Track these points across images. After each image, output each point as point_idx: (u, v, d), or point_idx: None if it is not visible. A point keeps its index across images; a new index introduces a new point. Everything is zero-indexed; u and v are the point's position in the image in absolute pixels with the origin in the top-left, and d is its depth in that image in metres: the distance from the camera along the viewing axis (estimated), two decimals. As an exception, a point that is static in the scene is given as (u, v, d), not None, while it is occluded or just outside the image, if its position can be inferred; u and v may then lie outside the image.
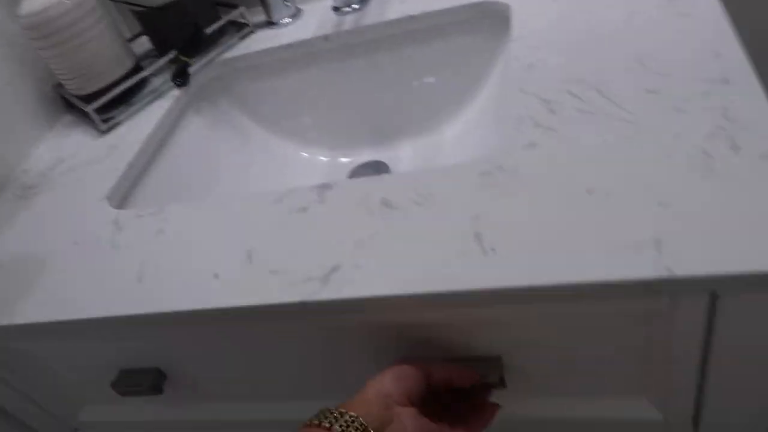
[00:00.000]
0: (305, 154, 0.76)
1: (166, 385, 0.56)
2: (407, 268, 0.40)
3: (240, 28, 0.75)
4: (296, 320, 0.45)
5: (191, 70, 0.71)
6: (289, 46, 0.71)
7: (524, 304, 0.39)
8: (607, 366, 0.45)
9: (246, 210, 0.50)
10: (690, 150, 0.40)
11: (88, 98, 0.68)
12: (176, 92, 0.71)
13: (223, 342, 0.51)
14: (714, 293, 0.36)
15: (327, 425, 0.36)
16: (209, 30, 0.73)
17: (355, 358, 0.49)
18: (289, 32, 0.72)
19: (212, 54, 0.73)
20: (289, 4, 0.74)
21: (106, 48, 0.67)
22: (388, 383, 0.39)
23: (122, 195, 0.59)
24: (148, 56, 0.76)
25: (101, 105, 0.67)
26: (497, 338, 0.45)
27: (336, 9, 0.72)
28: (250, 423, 0.59)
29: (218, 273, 0.45)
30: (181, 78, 0.70)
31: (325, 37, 0.69)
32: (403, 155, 0.71)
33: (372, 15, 0.69)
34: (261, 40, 0.73)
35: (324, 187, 0.49)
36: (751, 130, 0.39)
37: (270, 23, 0.75)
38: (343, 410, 0.37)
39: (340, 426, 0.36)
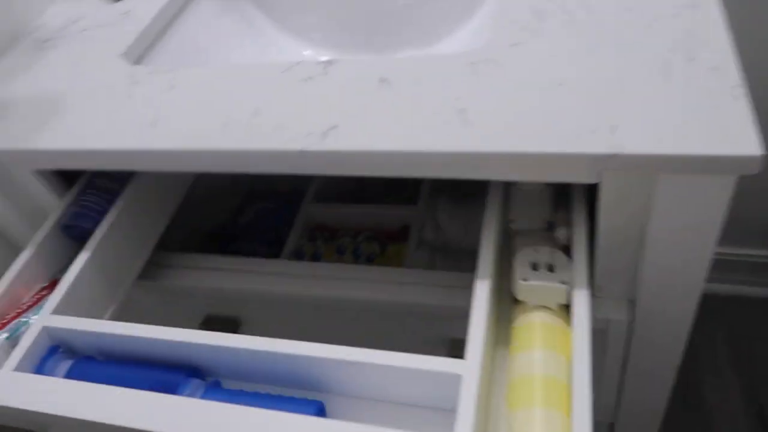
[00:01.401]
0: (306, 53, 0.80)
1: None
2: (397, 131, 0.46)
3: None
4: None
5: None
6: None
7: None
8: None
9: (255, 75, 0.55)
10: (653, 58, 0.46)
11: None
12: (192, -28, 0.74)
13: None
14: (654, 174, 0.42)
15: None
16: None
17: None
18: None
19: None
20: None
21: None
22: None
23: (137, 56, 0.63)
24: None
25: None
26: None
27: None
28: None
29: (227, 123, 0.50)
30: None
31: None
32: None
33: None
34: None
35: (329, 62, 0.54)
36: (706, 48, 0.46)
37: None
38: None
39: None
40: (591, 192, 0.51)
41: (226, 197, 0.93)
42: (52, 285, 0.57)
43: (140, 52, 0.64)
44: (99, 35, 0.66)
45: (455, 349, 0.67)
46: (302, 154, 0.47)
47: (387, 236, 0.76)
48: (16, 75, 0.64)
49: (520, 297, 0.50)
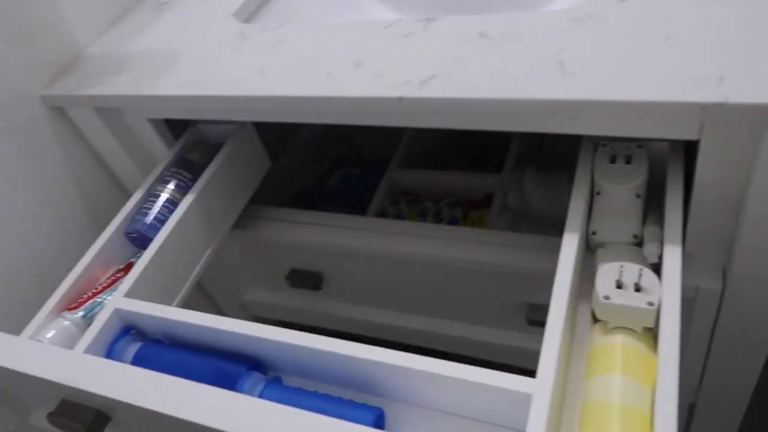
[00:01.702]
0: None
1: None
2: (495, 82, 0.47)
3: None
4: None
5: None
6: None
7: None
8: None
9: (357, 31, 0.57)
10: None
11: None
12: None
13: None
14: (760, 127, 0.42)
15: None
16: None
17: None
18: None
19: None
20: None
21: None
22: None
23: (246, 17, 0.67)
24: None
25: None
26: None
27: None
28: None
29: (330, 73, 0.53)
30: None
31: None
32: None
33: None
34: None
35: (429, 19, 0.55)
36: (827, 1, 0.44)
37: None
38: None
39: None
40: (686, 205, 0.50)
41: (313, 163, 0.97)
42: (128, 268, 0.60)
43: (248, 13, 0.68)
44: (210, -2, 0.71)
45: (533, 312, 0.67)
46: (401, 101, 0.49)
47: (470, 203, 0.77)
48: (136, 33, 0.70)
49: (600, 316, 0.46)
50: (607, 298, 0.44)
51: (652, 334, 0.45)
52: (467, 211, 0.76)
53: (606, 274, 0.46)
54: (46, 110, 0.66)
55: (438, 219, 0.76)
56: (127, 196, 0.71)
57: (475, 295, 0.69)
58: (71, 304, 0.57)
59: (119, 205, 0.65)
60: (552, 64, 0.47)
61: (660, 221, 0.50)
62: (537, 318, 0.67)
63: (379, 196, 0.80)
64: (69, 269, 0.58)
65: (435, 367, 0.42)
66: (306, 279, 0.79)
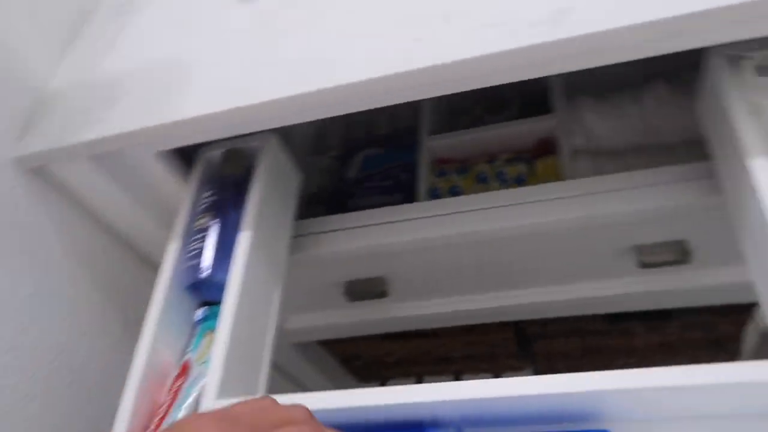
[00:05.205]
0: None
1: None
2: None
3: None
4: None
5: None
6: None
7: None
8: None
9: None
10: None
11: None
12: None
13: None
14: None
15: None
16: None
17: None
18: None
19: None
20: None
21: None
22: None
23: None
24: None
25: None
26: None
27: None
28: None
29: (419, 37, 0.42)
30: None
31: None
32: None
33: None
34: None
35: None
36: None
37: None
38: None
39: None
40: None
41: (316, 156, 0.84)
42: (184, 370, 0.47)
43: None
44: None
45: (644, 255, 0.61)
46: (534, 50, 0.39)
47: (532, 153, 0.68)
48: (107, 49, 0.54)
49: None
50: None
51: None
52: (532, 162, 0.67)
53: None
54: (23, 175, 0.50)
55: (502, 181, 0.67)
56: (149, 262, 0.58)
57: (577, 254, 0.62)
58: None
59: (143, 275, 0.51)
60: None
61: None
62: (650, 260, 0.61)
63: (422, 174, 0.70)
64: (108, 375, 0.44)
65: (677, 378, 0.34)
66: (369, 288, 0.69)
